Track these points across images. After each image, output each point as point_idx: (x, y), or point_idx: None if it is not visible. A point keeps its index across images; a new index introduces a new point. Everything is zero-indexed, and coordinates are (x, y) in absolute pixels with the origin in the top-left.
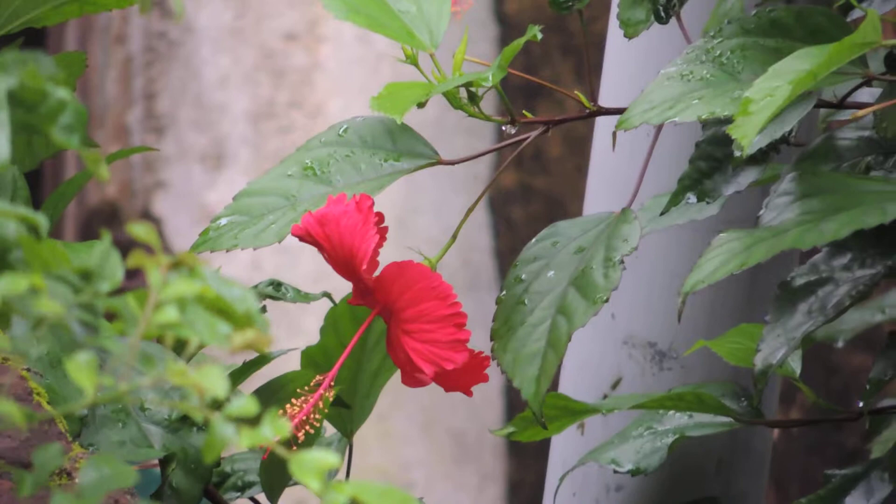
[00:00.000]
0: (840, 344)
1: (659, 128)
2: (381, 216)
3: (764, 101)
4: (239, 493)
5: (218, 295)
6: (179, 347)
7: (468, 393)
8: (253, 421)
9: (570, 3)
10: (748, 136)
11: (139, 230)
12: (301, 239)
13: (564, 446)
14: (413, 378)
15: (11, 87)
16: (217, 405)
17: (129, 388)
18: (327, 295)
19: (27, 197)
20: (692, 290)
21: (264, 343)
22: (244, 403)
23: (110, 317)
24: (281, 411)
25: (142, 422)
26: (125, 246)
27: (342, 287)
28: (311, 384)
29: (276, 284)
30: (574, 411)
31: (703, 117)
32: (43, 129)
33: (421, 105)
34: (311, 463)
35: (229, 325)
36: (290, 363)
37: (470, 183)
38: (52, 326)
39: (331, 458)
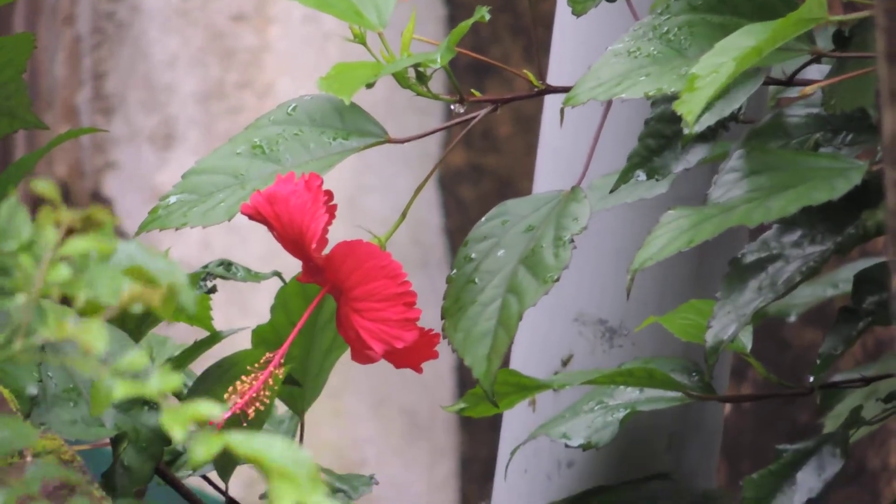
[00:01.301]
0: (792, 318)
1: (607, 106)
2: (330, 194)
3: (709, 77)
4: (191, 472)
5: (139, 265)
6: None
7: (418, 370)
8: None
9: None
10: (694, 112)
11: (41, 186)
12: (250, 217)
13: (516, 422)
14: (363, 355)
15: None
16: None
17: (22, 346)
18: (277, 274)
19: None
20: (640, 267)
21: (154, 298)
22: (133, 357)
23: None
24: (230, 388)
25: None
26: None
27: (292, 266)
28: (261, 361)
29: (227, 264)
30: (525, 387)
31: (651, 94)
32: None
33: (370, 85)
34: (182, 413)
35: (129, 282)
36: (242, 343)
37: (420, 162)
38: None
39: (205, 409)
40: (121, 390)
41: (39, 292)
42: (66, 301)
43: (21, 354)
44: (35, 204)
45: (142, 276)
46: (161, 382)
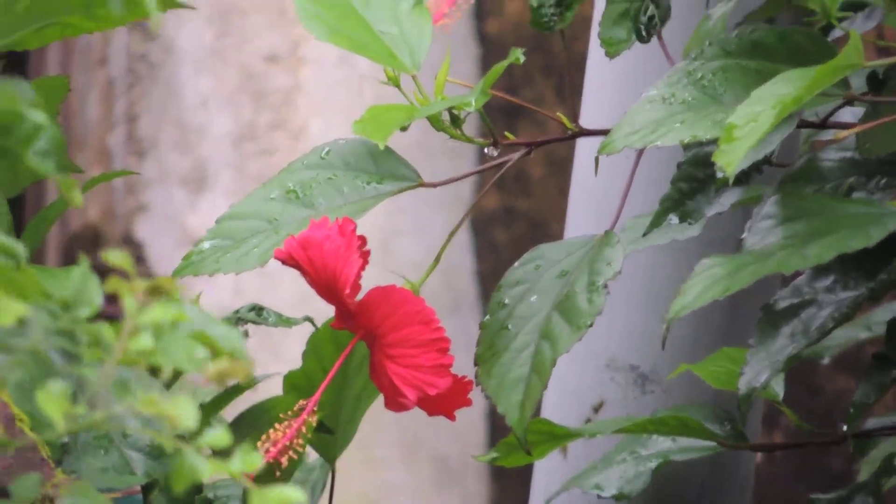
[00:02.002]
0: (826, 360)
1: (641, 150)
2: (363, 239)
3: (748, 127)
4: None
5: (202, 331)
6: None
7: (451, 417)
8: (226, 451)
9: (552, 23)
10: (733, 163)
11: (114, 256)
12: (284, 263)
13: (547, 470)
14: (396, 403)
15: None
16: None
17: (104, 416)
18: (309, 319)
19: (9, 222)
20: (677, 315)
21: (242, 371)
22: (217, 433)
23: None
24: (264, 437)
25: (124, 448)
26: (106, 271)
27: (324, 311)
28: (294, 409)
29: (258, 309)
30: (557, 436)
31: (686, 141)
32: (18, 153)
33: (404, 129)
34: (274, 498)
35: (205, 349)
36: (272, 388)
37: (452, 205)
38: (30, 352)
39: (294, 495)
40: (207, 471)
41: (119, 361)
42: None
43: (101, 424)
44: (68, 246)
45: (204, 342)
46: (243, 461)
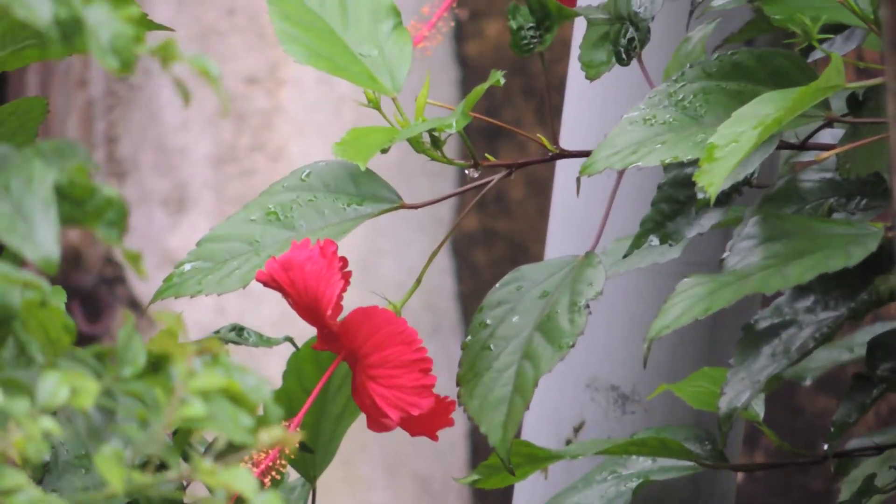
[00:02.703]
0: (808, 382)
1: (622, 171)
2: (344, 261)
3: (729, 147)
4: None
5: (236, 385)
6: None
7: (434, 437)
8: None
9: (531, 46)
10: (715, 183)
11: (166, 318)
12: (265, 284)
13: (528, 491)
14: (379, 423)
15: (59, 181)
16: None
17: (154, 481)
18: (290, 339)
19: None
20: (658, 335)
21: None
22: (270, 501)
23: None
24: (246, 458)
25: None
26: (88, 294)
27: (305, 331)
28: None
29: (239, 329)
30: (538, 458)
31: (667, 162)
32: (87, 225)
33: (384, 151)
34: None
35: (249, 416)
36: None
37: (433, 226)
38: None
39: (240, 481)
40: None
41: (168, 426)
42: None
43: (151, 489)
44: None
45: (233, 393)
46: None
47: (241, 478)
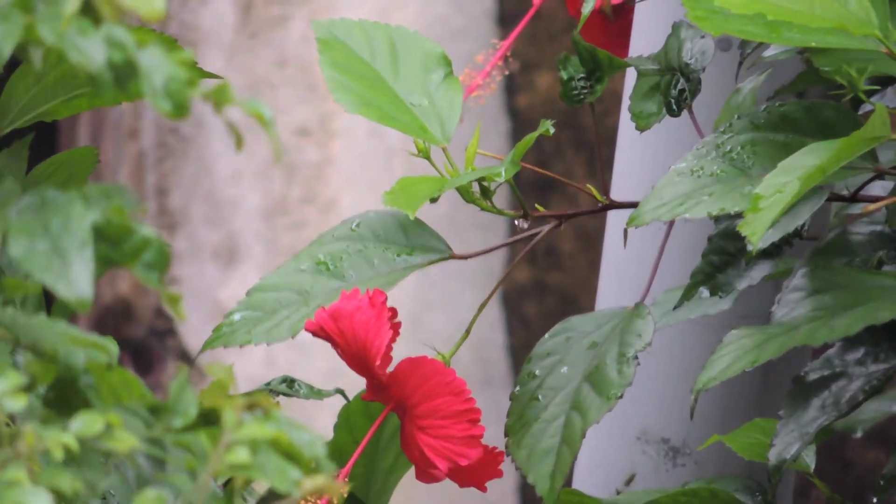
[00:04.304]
0: (858, 434)
1: (671, 222)
2: (394, 311)
3: (773, 198)
4: None
5: (287, 439)
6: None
7: (482, 488)
8: None
9: (582, 97)
10: (758, 233)
11: (217, 370)
12: (314, 334)
13: None
14: (427, 474)
15: (97, 221)
16: None
17: None
18: (340, 391)
19: (39, 294)
20: (705, 387)
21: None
22: None
23: None
24: None
25: None
26: (138, 345)
27: (356, 383)
28: None
29: (290, 381)
30: None
31: (714, 213)
32: (124, 265)
33: (433, 200)
34: None
35: (297, 468)
36: None
37: (483, 278)
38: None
39: None
40: None
41: (216, 473)
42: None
43: None
44: (99, 320)
45: (286, 448)
46: None
47: None
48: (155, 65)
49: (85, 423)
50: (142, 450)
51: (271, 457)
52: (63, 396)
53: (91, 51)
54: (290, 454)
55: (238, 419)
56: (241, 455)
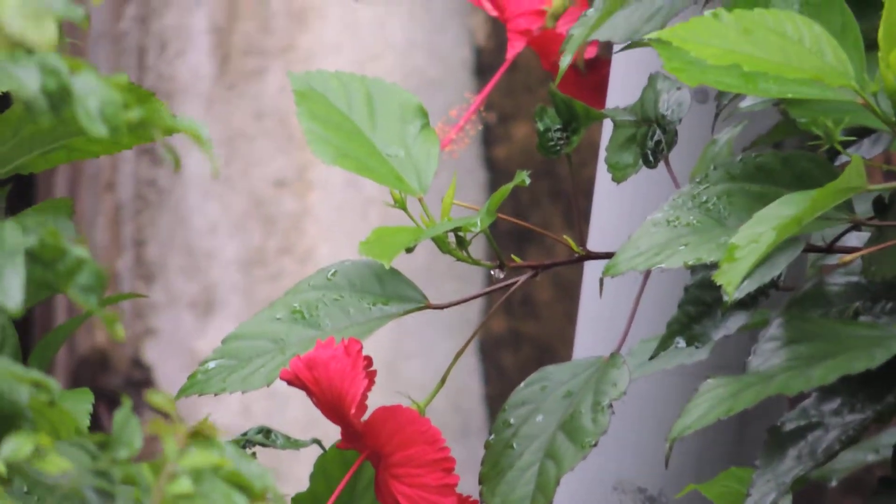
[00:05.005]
0: (833, 483)
1: (647, 273)
2: (369, 360)
3: (749, 248)
4: None
5: (236, 470)
6: None
7: None
8: None
9: (558, 147)
10: (734, 283)
11: (158, 398)
12: (290, 383)
13: None
14: None
15: (31, 245)
16: None
17: None
18: (317, 442)
19: (16, 344)
20: (679, 435)
21: None
22: None
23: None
24: None
25: None
26: (114, 395)
27: (333, 433)
28: None
29: (266, 431)
30: None
31: (690, 263)
32: (61, 288)
33: (409, 250)
34: None
35: (245, 497)
36: None
37: (460, 328)
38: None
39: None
40: None
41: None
42: None
43: None
44: (76, 369)
45: (237, 481)
46: None
47: None
48: (89, 89)
49: (15, 447)
50: (89, 483)
51: (216, 485)
52: (3, 431)
53: (25, 78)
54: (241, 486)
55: (180, 448)
56: (184, 485)
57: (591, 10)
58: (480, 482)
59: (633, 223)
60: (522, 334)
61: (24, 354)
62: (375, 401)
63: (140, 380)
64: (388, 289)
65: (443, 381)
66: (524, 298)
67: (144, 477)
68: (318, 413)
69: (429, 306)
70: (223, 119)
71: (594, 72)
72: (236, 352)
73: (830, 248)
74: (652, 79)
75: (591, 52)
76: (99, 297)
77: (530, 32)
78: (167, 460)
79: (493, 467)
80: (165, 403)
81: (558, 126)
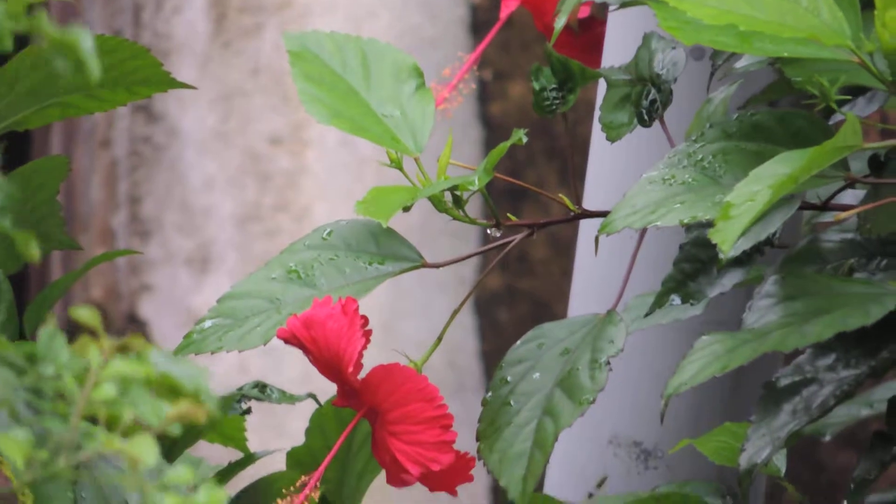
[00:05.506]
0: (827, 438)
1: (643, 230)
2: (365, 319)
3: (745, 206)
4: None
5: (165, 372)
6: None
7: (453, 493)
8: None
9: (554, 107)
10: (729, 241)
11: (82, 313)
12: (287, 342)
13: None
14: (398, 478)
15: None
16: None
17: (67, 463)
18: (312, 396)
19: (11, 300)
20: (675, 391)
21: (199, 415)
22: (179, 472)
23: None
24: None
25: None
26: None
27: (327, 389)
28: (297, 484)
29: (262, 386)
30: None
31: (685, 221)
32: None
33: (406, 209)
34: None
35: (179, 402)
36: (276, 465)
37: (456, 286)
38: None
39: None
40: None
41: (83, 412)
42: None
43: (62, 471)
44: (71, 325)
45: (168, 383)
46: (208, 496)
47: (143, 447)
48: None
49: None
50: (20, 397)
51: (144, 393)
52: None
53: None
54: (171, 387)
55: (104, 358)
56: (108, 391)
57: None
58: (478, 439)
59: (629, 181)
60: (518, 291)
61: (20, 311)
62: (372, 359)
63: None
64: (383, 248)
65: (439, 339)
66: (520, 256)
67: (68, 387)
68: (314, 370)
69: (425, 265)
70: (219, 77)
71: (588, 31)
72: (232, 311)
73: (826, 206)
74: (647, 38)
75: (584, 12)
76: (13, 218)
77: None
78: (91, 369)
79: (491, 424)
80: (91, 318)
81: (554, 85)
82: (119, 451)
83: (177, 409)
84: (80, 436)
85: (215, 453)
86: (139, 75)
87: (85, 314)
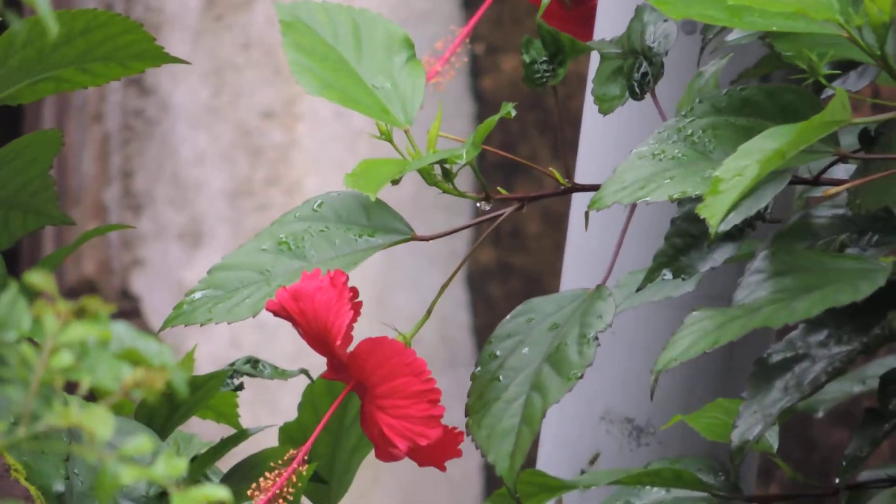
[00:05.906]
0: (820, 414)
1: (633, 205)
2: (355, 291)
3: (733, 181)
4: None
5: (132, 348)
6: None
7: (442, 468)
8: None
9: (544, 80)
10: (717, 216)
11: (35, 278)
12: (276, 314)
13: None
14: (387, 453)
15: None
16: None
17: (27, 433)
18: (305, 372)
19: (3, 274)
20: (664, 367)
21: (157, 380)
22: (137, 441)
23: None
24: (254, 485)
25: (119, 498)
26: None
27: (320, 364)
28: (285, 458)
29: (254, 362)
30: (551, 487)
31: (675, 197)
32: None
33: (395, 182)
34: (191, 497)
35: (130, 368)
36: (269, 441)
37: (447, 260)
38: None
39: (219, 492)
40: (128, 475)
41: (42, 379)
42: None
43: (25, 441)
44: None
45: (134, 358)
46: (167, 467)
47: (98, 418)
48: None
49: None
50: None
51: (103, 358)
52: None
53: None
54: (137, 362)
55: (60, 324)
56: (65, 358)
57: None
58: (466, 414)
59: (621, 155)
60: (511, 265)
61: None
62: (364, 332)
63: (128, 310)
64: (374, 220)
65: (428, 312)
66: (513, 230)
67: (25, 355)
68: (306, 345)
69: (415, 238)
70: (211, 50)
71: (580, 5)
72: (222, 282)
73: (816, 181)
74: (639, 10)
75: None
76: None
77: None
78: (46, 335)
79: (479, 399)
80: (45, 283)
81: (544, 58)
82: (75, 424)
83: (133, 377)
84: (38, 405)
85: (207, 430)
86: (132, 50)
87: (38, 279)
